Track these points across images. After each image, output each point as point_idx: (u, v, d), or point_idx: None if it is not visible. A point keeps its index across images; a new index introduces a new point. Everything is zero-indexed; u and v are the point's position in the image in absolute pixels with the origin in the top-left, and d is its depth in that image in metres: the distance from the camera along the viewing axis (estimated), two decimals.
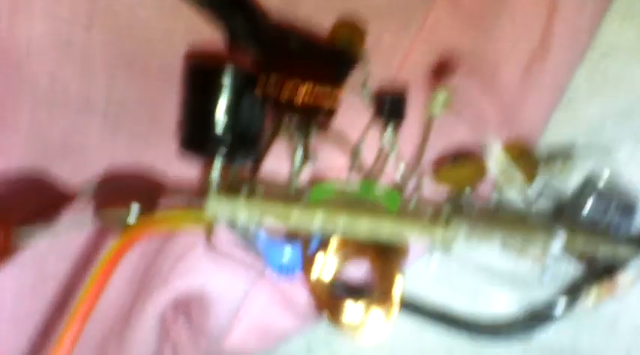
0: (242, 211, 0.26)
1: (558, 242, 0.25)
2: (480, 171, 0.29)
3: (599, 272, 0.30)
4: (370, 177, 0.33)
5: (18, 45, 0.30)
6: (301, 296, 0.35)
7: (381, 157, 0.32)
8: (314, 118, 0.28)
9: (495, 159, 0.27)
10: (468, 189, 0.31)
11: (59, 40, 0.31)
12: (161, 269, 0.35)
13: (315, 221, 0.27)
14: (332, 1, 0.34)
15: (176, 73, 0.31)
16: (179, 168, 0.34)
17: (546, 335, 0.38)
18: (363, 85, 0.32)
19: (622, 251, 0.28)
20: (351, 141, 0.33)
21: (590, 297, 0.30)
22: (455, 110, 0.34)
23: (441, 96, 0.25)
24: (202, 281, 0.34)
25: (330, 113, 0.29)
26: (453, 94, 0.25)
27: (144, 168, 0.34)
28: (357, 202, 0.31)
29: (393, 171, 0.32)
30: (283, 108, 0.28)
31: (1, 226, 0.27)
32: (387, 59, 0.35)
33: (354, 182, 0.32)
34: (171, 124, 0.31)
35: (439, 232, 0.27)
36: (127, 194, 0.29)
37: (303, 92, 0.28)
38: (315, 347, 0.41)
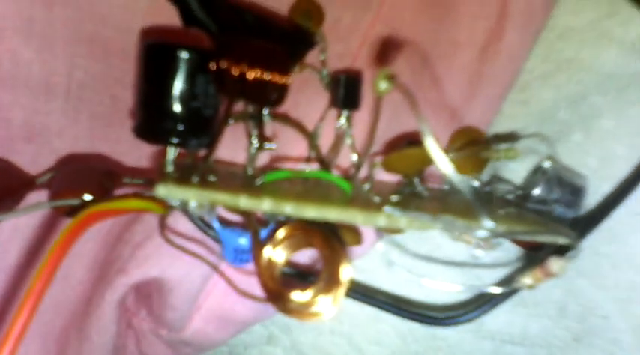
0: (191, 197, 0.27)
1: (482, 232, 0.26)
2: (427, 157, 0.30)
3: (536, 257, 0.31)
4: (327, 162, 0.33)
5: None
6: (257, 286, 0.36)
7: (337, 141, 0.33)
8: (266, 96, 0.29)
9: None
10: (416, 176, 0.31)
11: (21, 18, 0.31)
12: (120, 257, 0.35)
13: (263, 207, 0.27)
14: None
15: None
16: (140, 149, 0.34)
17: (497, 322, 0.39)
18: (322, 66, 0.33)
19: (561, 238, 0.29)
20: (309, 126, 0.34)
21: (526, 281, 0.31)
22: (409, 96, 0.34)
23: (383, 76, 0.25)
24: (160, 269, 0.35)
25: (283, 89, 0.29)
26: (397, 75, 0.25)
27: (103, 154, 0.34)
28: (312, 184, 0.31)
29: (348, 157, 0.33)
30: (235, 84, 0.28)
31: None
32: (346, 40, 0.35)
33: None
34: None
35: (381, 219, 0.27)
36: (82, 183, 0.29)
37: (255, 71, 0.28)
38: (275, 337, 0.42)
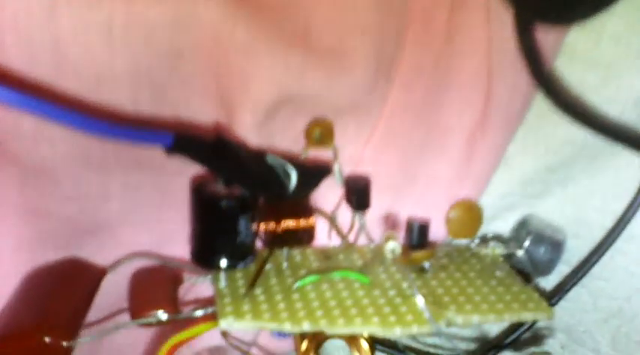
0: (248, 327, 0.35)
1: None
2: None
3: None
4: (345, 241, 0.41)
5: None
6: None
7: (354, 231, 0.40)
8: (299, 238, 0.37)
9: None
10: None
11: None
12: None
13: (304, 328, 0.35)
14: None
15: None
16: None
17: None
18: (337, 171, 0.40)
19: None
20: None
21: None
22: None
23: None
24: None
25: (311, 229, 0.37)
26: None
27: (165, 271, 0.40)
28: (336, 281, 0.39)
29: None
30: (272, 235, 0.36)
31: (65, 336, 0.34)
32: (352, 146, 0.41)
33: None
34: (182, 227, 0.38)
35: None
36: (155, 298, 0.36)
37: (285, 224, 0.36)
38: None
